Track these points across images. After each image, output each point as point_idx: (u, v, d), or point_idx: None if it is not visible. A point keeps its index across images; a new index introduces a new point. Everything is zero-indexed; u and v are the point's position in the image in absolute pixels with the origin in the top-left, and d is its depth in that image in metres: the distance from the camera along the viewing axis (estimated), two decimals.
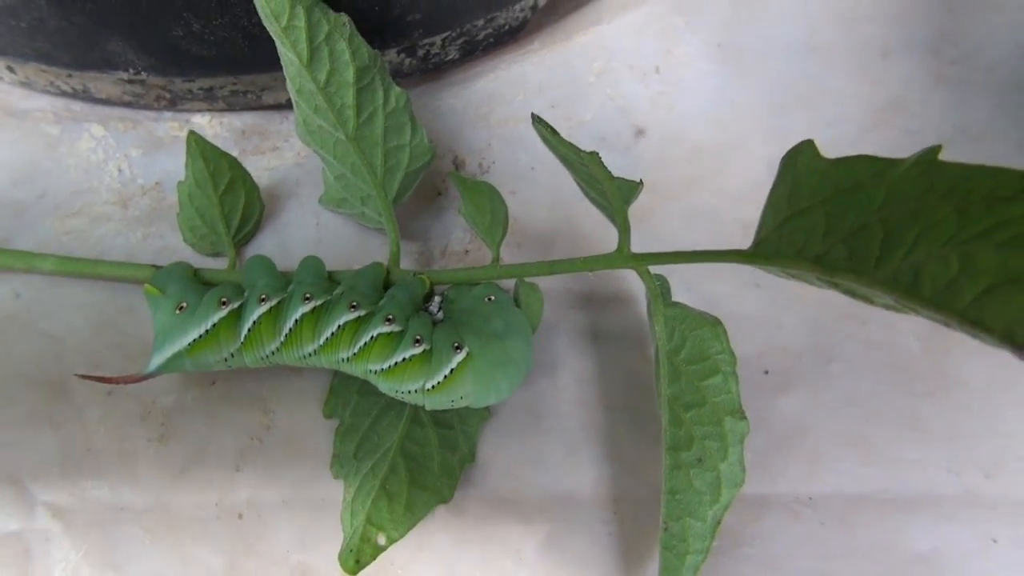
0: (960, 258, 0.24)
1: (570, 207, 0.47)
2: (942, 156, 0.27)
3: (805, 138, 0.52)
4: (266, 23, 0.37)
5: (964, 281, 0.24)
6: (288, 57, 0.38)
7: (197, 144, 0.41)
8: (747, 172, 0.50)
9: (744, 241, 0.48)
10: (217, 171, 0.41)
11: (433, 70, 0.50)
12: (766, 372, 0.42)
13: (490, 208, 0.41)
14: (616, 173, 0.35)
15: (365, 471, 0.39)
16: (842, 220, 0.29)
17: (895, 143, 0.51)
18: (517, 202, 0.47)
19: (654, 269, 0.38)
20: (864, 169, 0.29)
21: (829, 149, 0.51)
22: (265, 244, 0.45)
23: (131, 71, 0.44)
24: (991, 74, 0.52)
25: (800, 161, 0.31)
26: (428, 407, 0.38)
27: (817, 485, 0.39)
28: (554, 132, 0.35)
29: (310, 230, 0.45)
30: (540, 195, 0.48)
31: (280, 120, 0.49)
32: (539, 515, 0.39)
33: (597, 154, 0.34)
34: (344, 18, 0.38)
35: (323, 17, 0.37)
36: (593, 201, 0.39)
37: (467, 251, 0.46)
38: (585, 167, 0.36)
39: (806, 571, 0.38)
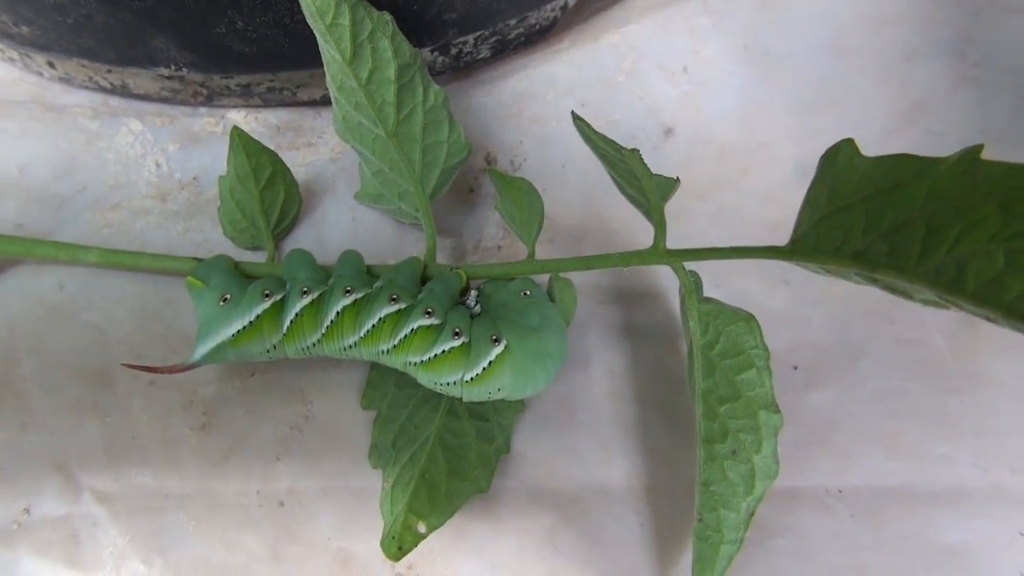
0: (1006, 254, 0.25)
1: (600, 203, 0.48)
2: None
3: (830, 139, 0.53)
4: (310, 21, 0.38)
5: (1010, 277, 0.25)
6: (331, 54, 0.39)
7: (240, 139, 0.41)
8: (773, 172, 0.50)
9: (771, 239, 0.49)
10: (259, 166, 0.42)
11: (464, 68, 0.51)
12: (795, 367, 0.43)
13: (527, 204, 0.42)
14: None
15: (403, 461, 0.39)
16: (882, 217, 0.30)
17: (919, 144, 0.52)
18: (548, 199, 0.47)
19: (688, 265, 0.39)
20: (905, 168, 0.30)
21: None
22: (303, 238, 0.45)
23: (172, 67, 0.45)
24: (1015, 77, 0.53)
25: (840, 159, 0.32)
26: (466, 399, 0.38)
27: (847, 478, 0.40)
28: (593, 130, 0.36)
29: (346, 224, 0.46)
30: (571, 192, 0.48)
31: (314, 116, 0.50)
32: (573, 506, 0.40)
33: (638, 151, 0.34)
34: (387, 16, 0.39)
35: (367, 15, 0.38)
36: (629, 198, 0.40)
37: (500, 246, 0.47)
38: (624, 164, 0.36)
39: (837, 562, 0.38)
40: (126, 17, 0.41)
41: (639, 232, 0.46)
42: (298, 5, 0.38)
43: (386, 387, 0.42)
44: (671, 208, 0.46)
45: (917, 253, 0.28)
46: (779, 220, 0.49)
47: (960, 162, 0.28)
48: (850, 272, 0.32)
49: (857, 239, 0.31)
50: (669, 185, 0.38)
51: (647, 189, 0.37)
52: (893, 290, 0.31)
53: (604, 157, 0.38)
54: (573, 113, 0.37)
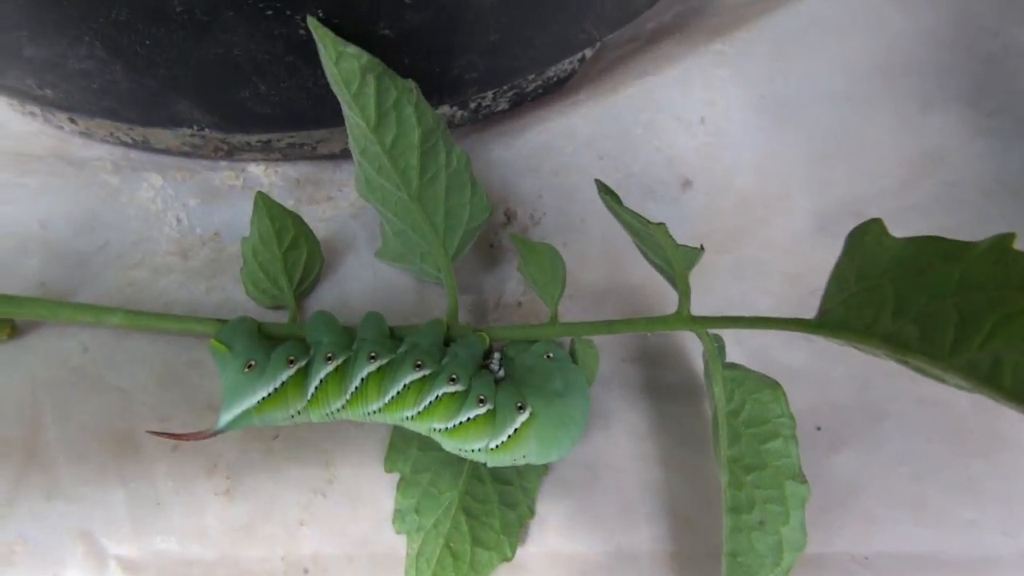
0: None
1: (621, 258, 0.48)
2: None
3: (847, 189, 0.53)
4: (336, 89, 0.38)
5: None
6: (355, 121, 0.39)
7: (264, 203, 0.41)
8: (791, 223, 0.50)
9: (790, 292, 0.49)
10: (282, 229, 0.42)
11: (483, 120, 0.51)
12: (819, 428, 0.43)
13: (549, 267, 0.42)
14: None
15: (427, 528, 0.39)
16: (913, 300, 0.30)
17: (935, 195, 0.52)
18: (568, 253, 0.47)
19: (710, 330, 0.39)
20: (934, 250, 0.30)
21: (871, 201, 0.52)
22: (324, 296, 0.46)
23: (194, 128, 0.45)
24: None
25: (868, 238, 0.32)
26: (490, 464, 0.38)
27: (874, 544, 0.40)
28: (619, 201, 0.36)
29: (367, 281, 0.46)
30: (591, 246, 0.48)
31: (333, 169, 0.50)
32: (598, 572, 0.40)
33: (664, 226, 0.35)
34: (411, 84, 0.39)
35: (392, 83, 0.38)
36: (653, 264, 0.40)
37: (520, 303, 0.47)
38: (651, 235, 0.37)
39: None
40: (151, 83, 0.41)
41: (661, 288, 0.46)
42: (322, 71, 0.38)
43: (409, 450, 0.42)
44: None
45: (950, 341, 0.28)
46: (798, 272, 0.49)
47: (991, 250, 0.28)
48: (880, 352, 0.32)
49: (887, 321, 0.31)
50: (693, 255, 0.38)
51: (672, 259, 0.37)
52: (924, 373, 0.31)
53: (629, 227, 0.38)
54: (598, 183, 0.37)
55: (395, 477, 0.41)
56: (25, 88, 0.44)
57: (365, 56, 0.37)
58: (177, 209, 0.48)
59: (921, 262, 0.30)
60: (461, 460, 0.41)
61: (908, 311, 0.30)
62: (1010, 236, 0.28)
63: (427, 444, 0.41)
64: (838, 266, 0.34)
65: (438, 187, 0.41)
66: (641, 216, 0.35)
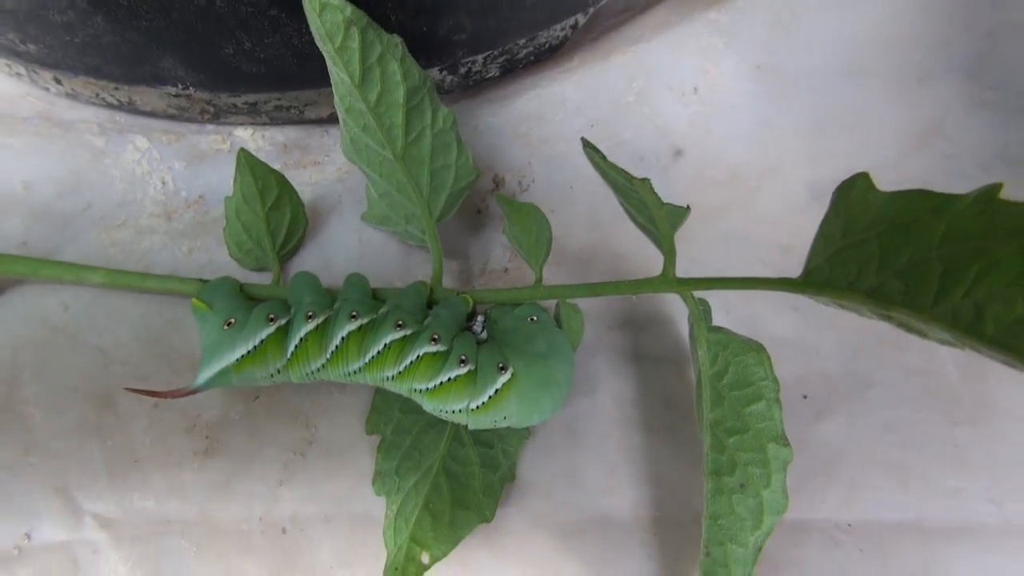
0: None
1: (608, 225, 0.48)
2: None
3: (843, 161, 0.52)
4: (320, 43, 0.37)
5: None
6: (339, 77, 0.38)
7: (247, 160, 0.41)
8: (784, 195, 0.50)
9: (781, 263, 0.48)
10: (265, 187, 0.42)
11: (473, 87, 0.51)
12: (805, 396, 0.42)
13: (535, 229, 0.41)
14: None
15: (407, 489, 0.39)
16: (898, 254, 0.30)
17: (933, 167, 0.51)
18: (556, 220, 0.47)
19: (697, 294, 0.38)
20: (921, 204, 0.29)
21: (870, 174, 0.51)
22: (308, 259, 0.45)
23: (179, 86, 0.44)
24: None
25: (854, 193, 0.32)
26: (471, 426, 0.38)
27: (856, 511, 0.39)
28: (604, 158, 0.36)
29: (352, 246, 0.46)
30: (579, 213, 0.48)
31: (321, 134, 0.50)
32: (579, 536, 0.39)
33: (649, 181, 0.34)
34: (397, 39, 0.38)
35: (376, 38, 0.38)
36: (639, 225, 0.40)
37: (507, 269, 0.46)
38: (635, 192, 0.36)
39: None
40: (133, 37, 0.40)
41: (647, 254, 0.45)
42: (307, 26, 0.37)
43: (390, 412, 0.41)
44: (680, 231, 0.46)
45: (934, 293, 0.28)
46: (790, 244, 0.48)
47: (977, 201, 0.28)
48: (863, 308, 0.31)
49: (871, 275, 0.30)
50: (679, 214, 0.37)
51: (657, 218, 0.36)
52: (908, 328, 0.30)
53: (614, 185, 0.38)
54: (584, 140, 0.37)
55: (375, 439, 0.41)
56: (8, 43, 0.43)
57: (349, 8, 0.36)
58: (162, 172, 0.48)
59: (907, 216, 0.30)
60: (443, 423, 0.40)
61: (893, 265, 0.30)
62: (997, 187, 0.27)
63: (409, 407, 0.41)
64: (824, 222, 0.33)
65: (423, 147, 0.41)
66: (626, 172, 0.35)
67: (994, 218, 0.27)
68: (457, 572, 0.39)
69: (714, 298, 0.41)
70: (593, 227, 0.48)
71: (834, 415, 0.42)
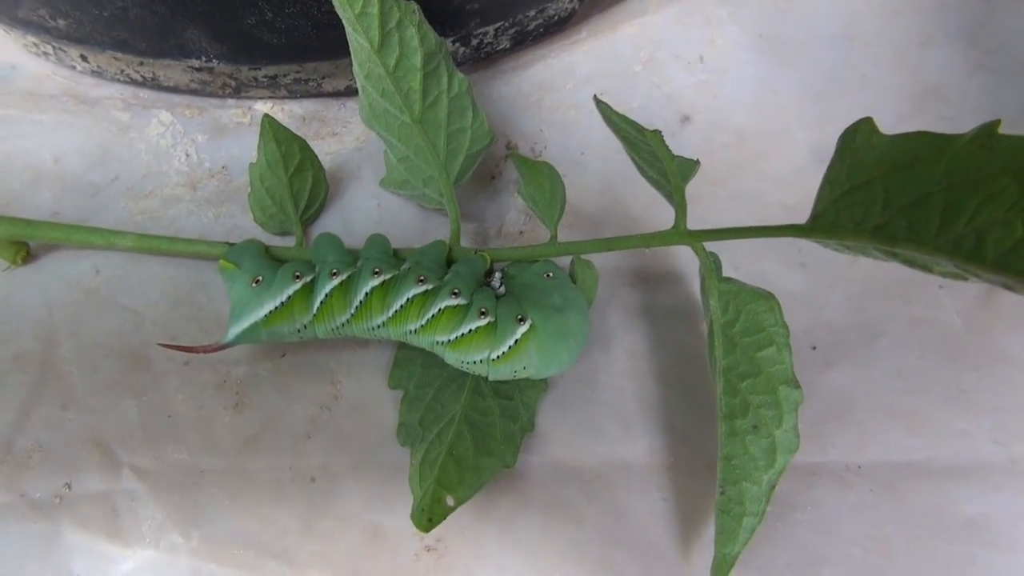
0: None
1: (619, 190, 0.49)
2: None
3: (845, 124, 0.54)
4: (339, 10, 0.39)
5: None
6: (359, 43, 0.40)
7: (271, 127, 0.42)
8: (789, 157, 0.51)
9: (787, 221, 0.50)
10: (288, 153, 0.43)
11: (485, 59, 0.52)
12: (814, 348, 0.44)
13: (549, 188, 0.43)
14: None
15: (431, 439, 0.40)
16: (901, 193, 0.31)
17: (933, 128, 0.52)
18: (568, 186, 0.48)
19: (707, 247, 0.40)
20: (923, 144, 0.31)
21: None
22: (330, 224, 0.47)
23: (202, 59, 0.46)
24: None
25: (859, 138, 0.33)
26: (491, 377, 0.39)
27: (866, 454, 0.41)
28: (616, 112, 0.37)
29: (372, 211, 0.47)
30: (590, 178, 0.49)
31: (338, 107, 0.51)
32: (597, 482, 0.41)
33: (660, 132, 0.35)
34: (414, 5, 0.40)
35: (395, 4, 0.39)
36: (650, 180, 0.41)
37: (521, 232, 0.48)
38: (647, 146, 0.37)
39: (856, 535, 0.39)
40: (160, 9, 0.42)
41: (659, 217, 0.47)
42: None
43: (413, 367, 0.43)
44: (689, 193, 0.47)
45: (936, 226, 0.29)
46: (796, 203, 0.50)
47: (977, 137, 0.29)
48: (869, 247, 0.32)
49: (877, 215, 0.32)
50: (689, 167, 0.39)
51: (668, 170, 0.38)
52: (912, 264, 0.31)
53: (626, 139, 0.39)
54: (595, 97, 0.38)
55: (399, 394, 0.42)
56: (39, 19, 0.45)
57: None
58: (186, 144, 0.49)
59: (910, 156, 0.31)
60: (463, 377, 0.42)
61: (897, 203, 0.31)
62: (995, 123, 0.29)
63: (431, 362, 0.42)
64: (830, 168, 0.35)
65: (440, 111, 0.42)
66: (638, 124, 0.36)
67: (993, 152, 0.28)
68: (480, 517, 0.40)
69: (725, 256, 0.42)
70: (605, 191, 0.49)
71: (843, 364, 0.43)
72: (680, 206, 0.39)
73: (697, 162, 0.39)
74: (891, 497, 0.39)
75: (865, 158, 0.33)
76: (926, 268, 0.31)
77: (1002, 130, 0.57)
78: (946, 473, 0.40)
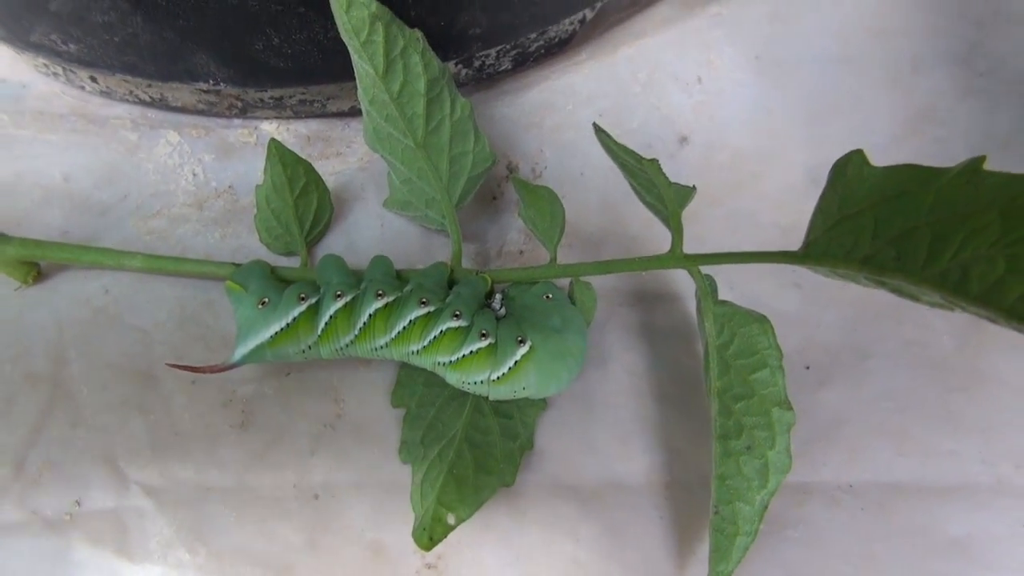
0: (1006, 259, 0.27)
1: (618, 210, 0.50)
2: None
3: (839, 146, 0.55)
4: (345, 38, 0.40)
5: (1010, 280, 0.26)
6: (364, 69, 0.41)
7: (277, 150, 0.43)
8: (784, 178, 0.52)
9: (782, 243, 0.51)
10: (294, 176, 0.44)
11: (487, 80, 0.53)
12: (807, 367, 0.45)
13: (549, 211, 0.44)
14: None
15: (432, 457, 0.41)
16: (890, 224, 0.32)
17: (925, 151, 0.54)
18: (568, 205, 0.49)
19: (703, 269, 0.41)
20: (912, 177, 0.32)
21: None
22: (334, 244, 0.48)
23: (210, 82, 0.47)
24: (1018, 85, 0.54)
25: (850, 169, 0.34)
26: (492, 397, 0.40)
27: (857, 473, 0.41)
28: (614, 140, 0.38)
29: (375, 231, 0.48)
30: (590, 198, 0.50)
31: (343, 127, 0.52)
32: (594, 499, 0.42)
33: (657, 161, 0.36)
34: (418, 33, 0.41)
35: (399, 32, 0.40)
36: (648, 205, 0.42)
37: (522, 252, 0.49)
38: (644, 173, 0.38)
39: (846, 553, 0.40)
40: (170, 36, 0.43)
41: (656, 237, 0.48)
42: (332, 23, 0.40)
43: (415, 386, 0.44)
44: (686, 212, 0.48)
45: (924, 258, 0.30)
46: (791, 224, 0.51)
47: (964, 172, 0.30)
48: (859, 276, 0.33)
49: (866, 244, 0.33)
50: (686, 193, 0.40)
51: (665, 197, 0.39)
52: (901, 293, 0.32)
53: (624, 166, 0.40)
54: (595, 125, 0.39)
55: (401, 412, 0.43)
56: (50, 44, 0.46)
57: (374, 5, 0.39)
58: (193, 164, 0.50)
59: (899, 188, 0.32)
60: (464, 395, 0.43)
61: (886, 234, 0.32)
62: (980, 159, 0.30)
63: (432, 381, 0.43)
64: (822, 198, 0.36)
65: (443, 135, 0.43)
66: (635, 153, 0.37)
67: (978, 188, 0.29)
68: (480, 534, 0.41)
69: (719, 276, 0.43)
70: (604, 211, 0.50)
71: (835, 384, 0.44)
72: (677, 231, 0.40)
73: (693, 188, 0.40)
74: (880, 516, 0.40)
75: (856, 189, 0.34)
76: (914, 298, 0.32)
77: (994, 151, 0.58)
78: (934, 492, 0.41)
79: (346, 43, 0.40)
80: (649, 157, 0.35)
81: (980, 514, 0.40)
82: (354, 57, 0.41)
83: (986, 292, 0.27)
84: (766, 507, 0.38)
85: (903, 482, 0.41)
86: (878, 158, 0.54)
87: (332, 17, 0.39)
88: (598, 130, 0.39)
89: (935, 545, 0.40)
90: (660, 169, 0.36)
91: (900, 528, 0.40)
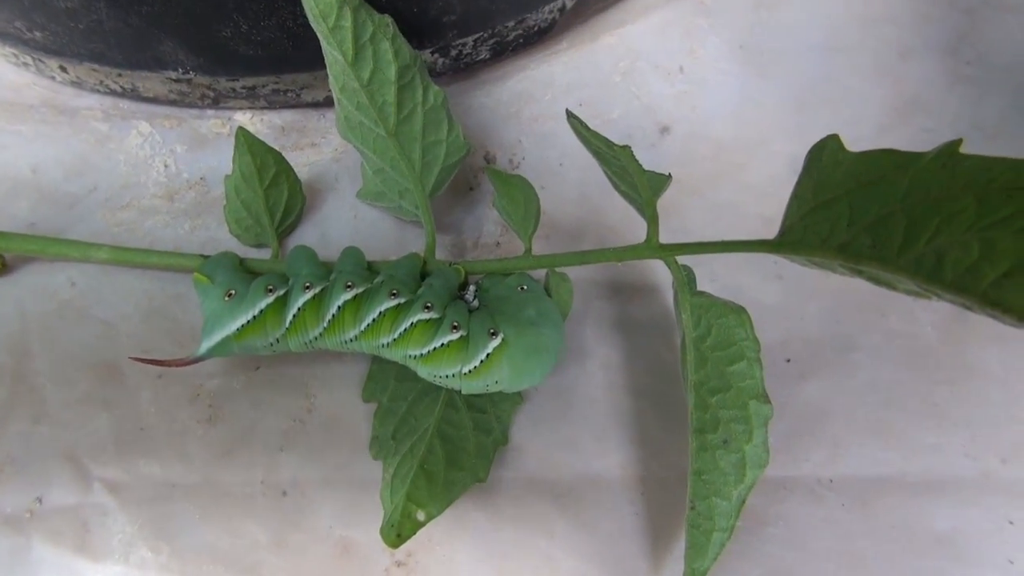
0: (980, 244, 0.26)
1: (597, 201, 0.49)
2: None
3: (824, 136, 0.54)
4: (313, 23, 0.39)
5: (984, 265, 0.25)
6: (333, 56, 0.40)
7: (245, 139, 0.42)
8: (768, 168, 0.51)
9: (765, 233, 0.49)
10: (263, 166, 0.43)
11: (464, 70, 0.52)
12: (788, 360, 0.44)
13: (523, 201, 0.43)
14: None
15: (403, 452, 0.40)
16: (866, 210, 0.31)
17: (913, 141, 0.52)
18: (546, 196, 0.48)
19: (681, 260, 0.40)
20: (887, 162, 0.31)
21: (849, 147, 0.53)
22: (306, 236, 0.47)
23: (180, 71, 0.46)
24: (1007, 74, 0.53)
25: (825, 155, 0.33)
26: (464, 391, 0.39)
27: (838, 468, 0.40)
28: (587, 127, 0.37)
29: (348, 222, 0.47)
30: (568, 190, 0.49)
31: (318, 118, 0.51)
32: (569, 495, 0.41)
33: (630, 148, 0.35)
34: (387, 19, 0.40)
35: (368, 18, 0.39)
36: (623, 194, 0.41)
37: (498, 243, 0.48)
38: (617, 160, 0.37)
39: (828, 550, 0.39)
40: (135, 22, 0.42)
41: (635, 229, 0.47)
42: (301, 9, 0.39)
43: (386, 380, 0.43)
44: (668, 204, 0.48)
45: (899, 245, 0.29)
46: (774, 215, 0.49)
47: (940, 156, 0.29)
48: (836, 264, 0.32)
49: (842, 232, 0.32)
50: (661, 181, 0.39)
51: (639, 185, 0.38)
52: (877, 281, 0.31)
53: (597, 154, 0.39)
54: (568, 111, 0.38)
55: (372, 408, 0.42)
56: (15, 32, 0.45)
57: None
58: (164, 155, 0.49)
59: (874, 174, 0.31)
60: (437, 390, 0.42)
61: (861, 221, 0.31)
62: (956, 142, 0.29)
63: (405, 375, 0.42)
64: (798, 184, 0.35)
65: (415, 124, 0.42)
66: (607, 139, 0.36)
67: (954, 172, 0.28)
68: (452, 531, 0.40)
69: (700, 268, 0.42)
70: (582, 202, 0.49)
71: (817, 377, 0.43)
72: (652, 220, 0.39)
73: (669, 176, 0.39)
74: (863, 511, 0.39)
75: (831, 175, 0.33)
76: (891, 286, 0.31)
77: (982, 141, 0.57)
78: (918, 487, 0.40)
79: (314, 29, 0.39)
80: (630, 146, 0.34)
81: (965, 509, 0.39)
82: (323, 43, 0.40)
83: (960, 278, 0.26)
84: (743, 502, 0.37)
85: (886, 476, 0.40)
86: (865, 148, 0.53)
87: (300, 2, 0.38)
88: (571, 117, 0.38)
89: (919, 541, 0.39)
90: (633, 156, 0.35)
91: (883, 524, 0.39)
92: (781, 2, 0.55)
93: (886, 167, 0.31)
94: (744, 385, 0.38)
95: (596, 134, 0.37)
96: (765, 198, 0.50)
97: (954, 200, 0.28)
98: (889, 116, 0.53)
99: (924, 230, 0.28)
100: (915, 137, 0.52)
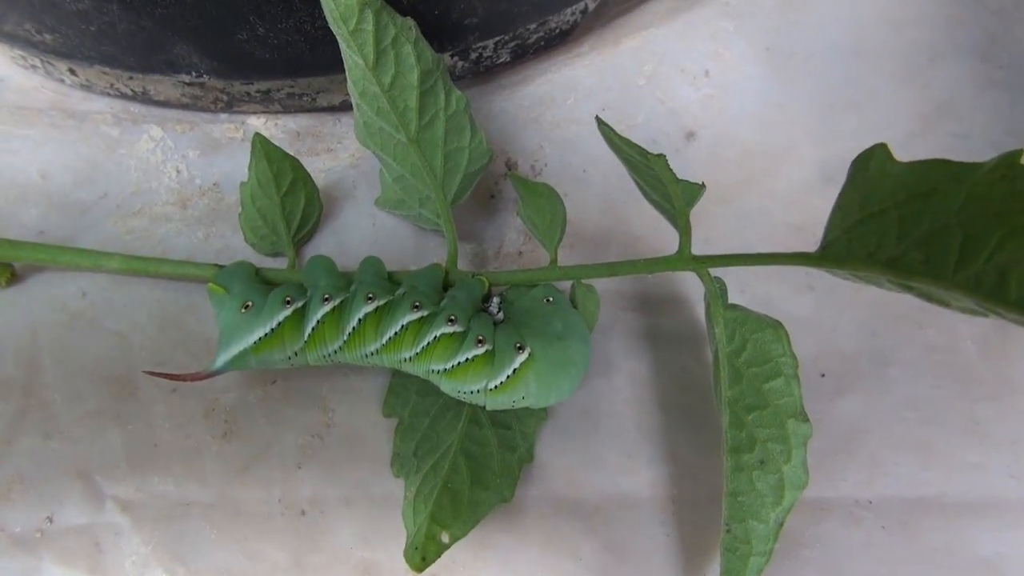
0: None
1: (622, 208, 0.48)
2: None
3: (853, 141, 0.52)
4: (333, 26, 0.38)
5: None
6: (353, 60, 0.39)
7: (262, 146, 0.41)
8: (796, 174, 0.50)
9: (794, 242, 0.48)
10: (280, 172, 0.42)
11: (484, 73, 0.51)
12: (823, 375, 0.42)
13: (549, 210, 0.41)
14: None
15: (426, 470, 0.39)
16: (917, 224, 0.30)
17: (943, 147, 0.51)
18: (569, 204, 0.46)
19: (712, 271, 0.38)
20: (940, 173, 0.29)
21: None
22: (323, 244, 0.45)
23: (193, 74, 0.45)
24: None
25: (872, 164, 0.32)
26: (489, 407, 0.38)
27: (877, 488, 0.39)
28: (618, 134, 0.36)
29: (367, 230, 0.46)
30: (592, 196, 0.48)
31: (333, 122, 0.50)
32: (597, 515, 0.39)
33: (664, 157, 0.34)
34: (410, 22, 0.38)
35: (390, 21, 0.38)
36: (653, 203, 0.40)
37: (521, 252, 0.46)
38: (650, 169, 0.36)
39: (867, 574, 0.38)
40: (148, 24, 0.41)
41: (662, 236, 0.45)
42: (320, 11, 0.37)
43: (407, 395, 0.41)
44: (694, 211, 0.46)
45: (955, 260, 0.28)
46: (802, 223, 0.48)
47: (998, 167, 0.28)
48: (883, 279, 0.31)
49: (891, 246, 0.30)
50: (694, 191, 0.37)
51: (672, 195, 0.36)
52: (929, 298, 0.30)
53: (628, 162, 0.38)
54: (598, 118, 0.37)
55: (393, 423, 0.41)
56: (24, 34, 0.44)
57: None
58: (177, 160, 0.48)
59: (926, 185, 0.30)
60: (460, 405, 0.40)
61: (912, 235, 0.30)
62: (1017, 152, 0.27)
63: (426, 389, 0.41)
64: (842, 195, 0.33)
65: (437, 130, 0.41)
66: (641, 148, 0.35)
67: (1015, 183, 0.27)
68: (477, 552, 0.39)
69: (729, 278, 0.41)
70: (607, 210, 0.48)
71: (853, 393, 0.42)
72: (684, 231, 0.38)
73: (702, 186, 0.38)
74: (903, 534, 0.38)
75: (879, 186, 0.31)
76: (943, 303, 0.30)
77: (1016, 147, 0.55)
78: (960, 509, 0.38)
79: (334, 32, 0.38)
80: (657, 154, 0.33)
81: (1010, 532, 0.38)
82: (343, 47, 0.38)
83: None
84: (781, 525, 0.35)
85: (927, 498, 0.39)
86: (894, 154, 0.52)
87: (319, 4, 0.37)
88: (601, 124, 0.36)
89: (962, 566, 0.37)
90: (667, 165, 0.34)
91: (924, 547, 0.38)
92: (808, 4, 0.54)
93: (939, 178, 0.29)
94: (782, 403, 0.36)
95: (628, 141, 0.35)
96: (793, 205, 0.49)
97: (1016, 214, 0.26)
98: (918, 121, 0.52)
99: (983, 245, 0.27)
100: (945, 143, 0.51)
